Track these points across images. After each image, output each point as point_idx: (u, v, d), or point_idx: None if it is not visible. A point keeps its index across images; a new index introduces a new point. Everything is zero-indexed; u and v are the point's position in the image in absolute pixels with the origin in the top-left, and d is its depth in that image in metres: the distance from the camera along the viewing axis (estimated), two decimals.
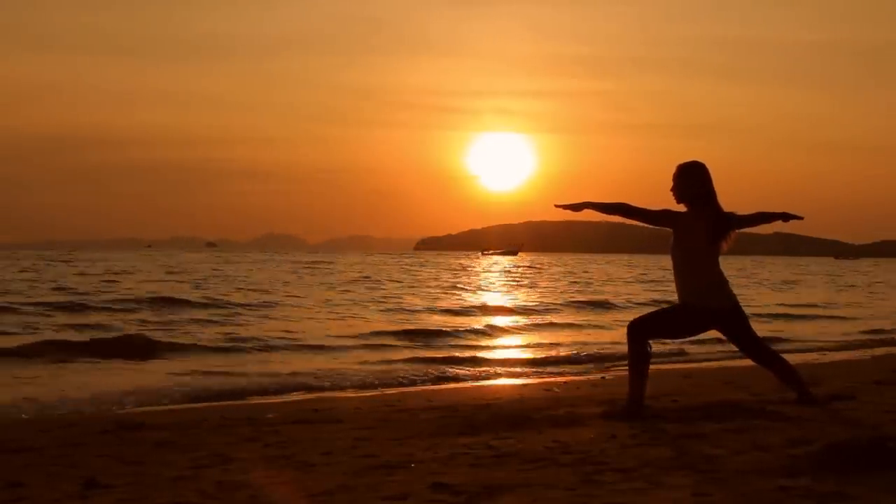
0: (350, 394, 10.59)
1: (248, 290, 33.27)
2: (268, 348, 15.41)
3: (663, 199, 6.66)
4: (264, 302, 26.45)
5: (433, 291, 35.98)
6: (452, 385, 11.42)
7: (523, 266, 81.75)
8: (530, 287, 40.98)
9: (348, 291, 34.62)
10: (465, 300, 30.31)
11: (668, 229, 6.51)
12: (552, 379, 11.80)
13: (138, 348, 14.46)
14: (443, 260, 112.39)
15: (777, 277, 60.05)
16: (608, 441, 5.53)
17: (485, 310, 25.59)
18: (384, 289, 37.38)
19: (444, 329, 19.33)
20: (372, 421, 7.11)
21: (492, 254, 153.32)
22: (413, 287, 39.51)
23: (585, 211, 6.53)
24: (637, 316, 6.72)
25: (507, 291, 37.06)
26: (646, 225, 6.58)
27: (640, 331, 6.42)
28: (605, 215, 6.58)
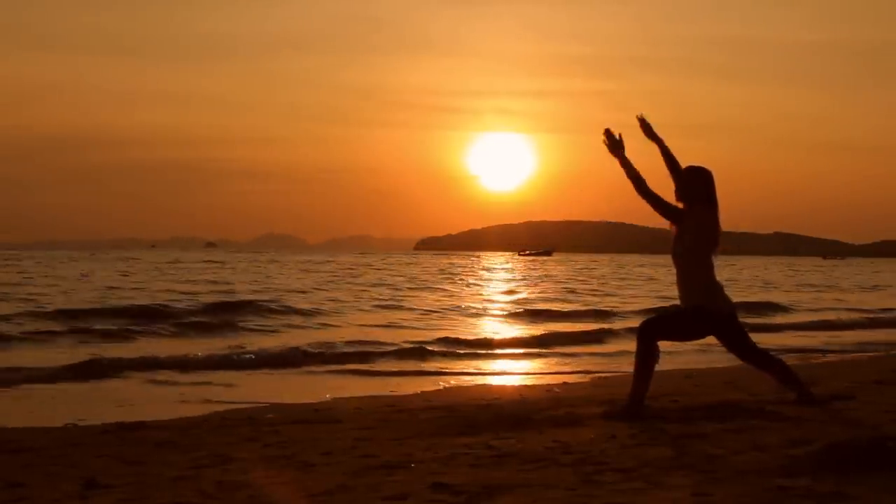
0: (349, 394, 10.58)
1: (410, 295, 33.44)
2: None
3: (664, 198, 6.68)
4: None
5: (557, 292, 36.33)
6: (452, 385, 11.42)
7: (574, 267, 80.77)
8: (623, 289, 40.69)
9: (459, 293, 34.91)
10: (596, 301, 30.42)
11: (670, 229, 6.58)
12: (552, 380, 11.80)
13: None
14: (485, 260, 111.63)
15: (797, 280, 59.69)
16: (608, 441, 5.53)
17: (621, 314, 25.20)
18: (504, 290, 37.53)
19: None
20: (372, 421, 7.11)
21: (528, 254, 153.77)
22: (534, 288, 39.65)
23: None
24: (648, 317, 6.77)
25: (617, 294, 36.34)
26: (655, 211, 6.57)
27: (651, 331, 6.45)
28: (626, 172, 6.55)
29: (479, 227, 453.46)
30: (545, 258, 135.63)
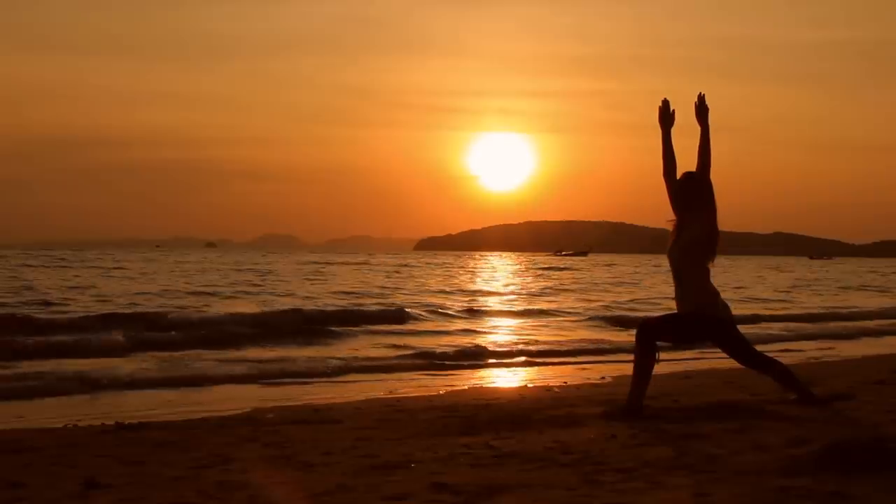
0: (350, 394, 10.58)
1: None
2: None
3: (663, 198, 6.72)
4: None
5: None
6: (452, 386, 11.42)
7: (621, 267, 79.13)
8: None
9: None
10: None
11: (669, 228, 6.61)
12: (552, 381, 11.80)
13: None
14: (530, 260, 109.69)
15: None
16: (608, 441, 5.53)
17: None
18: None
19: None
20: (371, 421, 7.11)
21: (565, 255, 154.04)
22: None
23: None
24: (648, 317, 6.80)
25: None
26: (668, 196, 6.63)
27: (650, 332, 6.46)
28: (664, 150, 6.67)
29: (478, 227, 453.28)
30: (582, 258, 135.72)
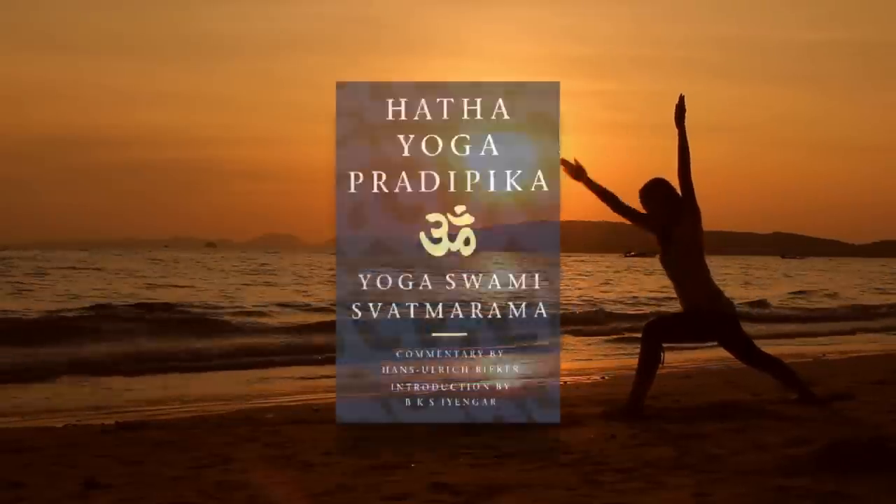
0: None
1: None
2: None
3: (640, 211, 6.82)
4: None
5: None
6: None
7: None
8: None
9: None
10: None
11: (652, 238, 6.69)
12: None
13: None
14: (631, 263, 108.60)
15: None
16: (608, 441, 5.53)
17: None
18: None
19: None
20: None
21: (634, 255, 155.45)
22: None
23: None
24: (652, 318, 6.84)
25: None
26: (636, 226, 6.72)
27: (656, 333, 6.47)
28: (597, 197, 6.73)
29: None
30: (650, 258, 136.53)
